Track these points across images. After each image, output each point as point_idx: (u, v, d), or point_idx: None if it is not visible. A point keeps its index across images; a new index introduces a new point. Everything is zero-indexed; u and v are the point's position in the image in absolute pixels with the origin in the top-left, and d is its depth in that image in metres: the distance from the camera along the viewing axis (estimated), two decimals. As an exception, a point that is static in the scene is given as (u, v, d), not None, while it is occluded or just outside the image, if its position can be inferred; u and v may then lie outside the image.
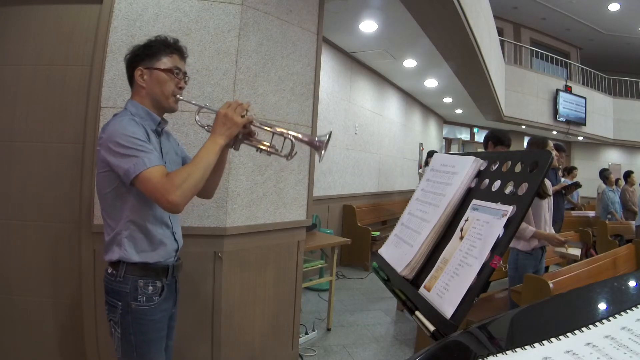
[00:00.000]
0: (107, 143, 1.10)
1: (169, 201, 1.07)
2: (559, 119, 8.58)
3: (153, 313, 1.21)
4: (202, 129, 1.33)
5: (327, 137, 1.21)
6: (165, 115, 1.30)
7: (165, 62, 1.22)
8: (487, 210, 0.74)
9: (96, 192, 1.22)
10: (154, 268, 1.22)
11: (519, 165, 0.76)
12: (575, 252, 2.39)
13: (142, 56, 1.22)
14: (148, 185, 1.08)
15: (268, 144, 1.28)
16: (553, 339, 0.52)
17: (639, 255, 3.39)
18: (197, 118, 1.31)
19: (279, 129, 1.24)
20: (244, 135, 1.25)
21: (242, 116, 1.19)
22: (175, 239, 1.30)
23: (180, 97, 1.26)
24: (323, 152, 1.22)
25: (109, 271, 1.21)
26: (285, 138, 1.24)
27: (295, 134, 1.24)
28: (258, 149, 1.29)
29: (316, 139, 1.23)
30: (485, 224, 0.71)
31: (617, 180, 6.46)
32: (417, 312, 0.75)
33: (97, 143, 1.16)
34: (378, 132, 5.84)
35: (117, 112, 1.23)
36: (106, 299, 1.21)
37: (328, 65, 4.35)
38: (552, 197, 2.52)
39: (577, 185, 4.76)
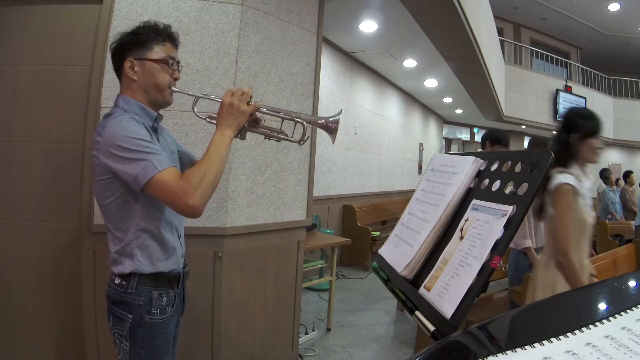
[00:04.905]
0: (108, 147, 0.99)
1: (188, 205, 0.97)
2: (559, 119, 8.58)
3: (166, 326, 1.13)
4: (203, 120, 1.23)
5: (339, 117, 1.14)
6: (164, 114, 1.24)
7: (158, 51, 1.11)
8: (487, 210, 0.74)
9: (96, 201, 1.11)
10: (167, 277, 1.13)
11: (519, 165, 0.76)
12: None
13: (131, 45, 1.09)
14: (163, 190, 0.98)
15: (277, 130, 1.18)
16: (553, 339, 0.52)
17: (639, 255, 3.39)
18: (195, 110, 1.20)
19: (288, 115, 1.15)
20: (250, 123, 1.16)
21: (248, 104, 1.09)
22: (180, 244, 1.22)
23: (176, 89, 1.15)
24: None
25: (117, 282, 1.10)
26: (295, 123, 1.15)
27: (307, 117, 1.16)
28: (266, 136, 1.19)
29: (330, 119, 1.14)
30: (485, 224, 0.71)
31: (617, 180, 6.46)
32: (417, 312, 0.75)
33: (93, 147, 1.04)
34: (378, 132, 5.84)
35: (108, 111, 1.12)
36: (111, 310, 1.11)
37: (328, 65, 4.35)
38: None
39: None
